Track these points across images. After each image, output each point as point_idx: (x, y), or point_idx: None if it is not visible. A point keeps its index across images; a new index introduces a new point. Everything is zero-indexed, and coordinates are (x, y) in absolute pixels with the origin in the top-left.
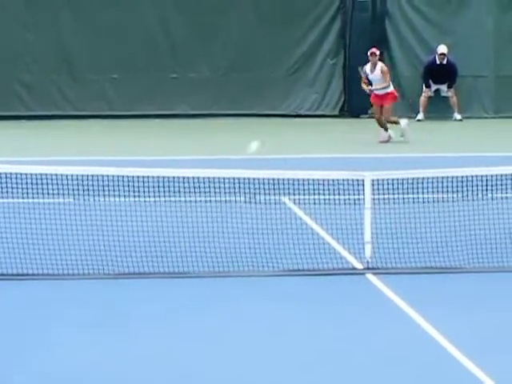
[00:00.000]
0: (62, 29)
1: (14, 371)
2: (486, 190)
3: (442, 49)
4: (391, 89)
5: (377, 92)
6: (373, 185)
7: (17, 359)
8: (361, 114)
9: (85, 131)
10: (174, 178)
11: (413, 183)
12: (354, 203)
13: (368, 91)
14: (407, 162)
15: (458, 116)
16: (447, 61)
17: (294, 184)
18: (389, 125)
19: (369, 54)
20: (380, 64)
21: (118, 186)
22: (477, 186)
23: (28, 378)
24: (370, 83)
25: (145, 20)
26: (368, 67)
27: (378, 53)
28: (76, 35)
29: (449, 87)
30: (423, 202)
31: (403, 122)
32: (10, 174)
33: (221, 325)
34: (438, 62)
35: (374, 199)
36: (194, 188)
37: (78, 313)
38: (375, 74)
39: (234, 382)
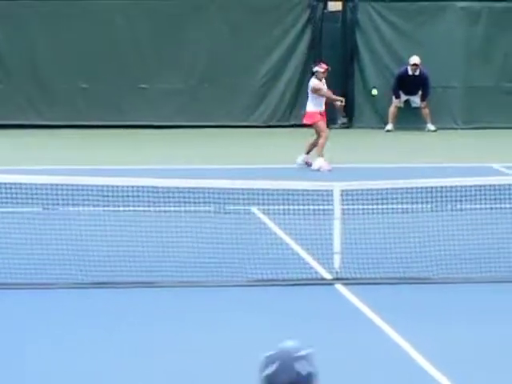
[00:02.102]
0: (32, 39)
1: None
2: (456, 200)
3: (414, 59)
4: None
5: (321, 110)
6: (342, 195)
7: None
8: (330, 124)
9: (53, 141)
10: (143, 187)
11: (382, 194)
12: (324, 213)
13: (340, 103)
14: (377, 172)
15: (431, 127)
16: (420, 72)
17: (263, 194)
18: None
19: (322, 70)
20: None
21: (88, 195)
22: (446, 196)
23: None
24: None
25: (114, 30)
26: (324, 85)
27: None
28: (45, 45)
29: (422, 100)
30: (392, 213)
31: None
32: None
33: (188, 334)
34: (410, 73)
35: (343, 209)
36: (163, 198)
37: (43, 323)
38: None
39: None
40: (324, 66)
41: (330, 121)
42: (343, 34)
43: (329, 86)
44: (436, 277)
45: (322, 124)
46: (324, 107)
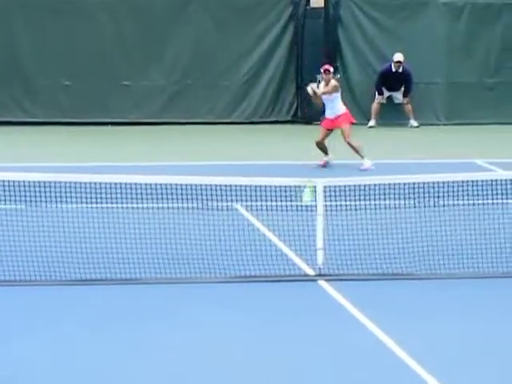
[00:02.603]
0: (15, 35)
1: None
2: (439, 196)
3: (398, 57)
4: (343, 110)
5: (328, 116)
6: (325, 191)
7: None
8: (313, 121)
9: (37, 138)
10: (126, 184)
11: (365, 190)
12: (307, 210)
13: (319, 101)
14: (360, 168)
15: (414, 123)
16: (403, 69)
17: (246, 190)
18: (353, 151)
19: (322, 71)
20: (333, 81)
21: (71, 192)
22: (429, 192)
23: None
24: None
25: (98, 27)
26: (322, 85)
27: (331, 70)
28: (28, 42)
29: (404, 96)
30: (375, 209)
31: (367, 163)
32: None
33: (171, 332)
34: (393, 70)
35: (326, 206)
36: (147, 194)
37: (28, 319)
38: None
39: None
40: (325, 66)
41: (313, 117)
42: (326, 31)
43: (311, 82)
44: (419, 273)
45: (320, 130)
46: (331, 113)
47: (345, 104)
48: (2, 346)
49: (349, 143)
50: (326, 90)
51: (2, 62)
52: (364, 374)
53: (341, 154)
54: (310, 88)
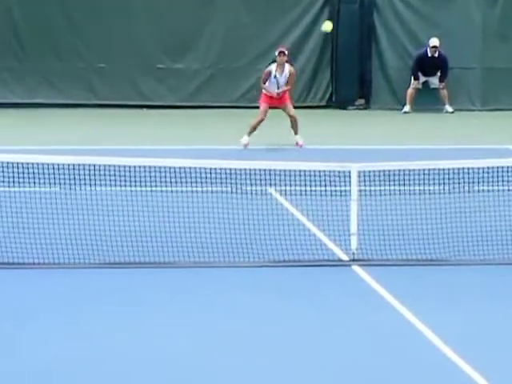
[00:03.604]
0: (50, 16)
1: None
2: (473, 182)
3: (434, 41)
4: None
5: (274, 94)
6: (359, 176)
7: None
8: (348, 106)
9: (71, 120)
10: (160, 167)
11: (399, 175)
12: (341, 195)
13: (275, 95)
14: (394, 153)
15: (449, 108)
16: (439, 53)
17: (280, 175)
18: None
19: (276, 53)
20: (288, 65)
21: (105, 175)
22: (463, 178)
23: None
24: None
25: (132, 9)
26: (274, 68)
27: (286, 52)
28: (64, 23)
29: (440, 81)
30: (410, 194)
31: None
32: None
33: (205, 315)
34: (429, 55)
35: (360, 191)
36: (181, 178)
37: (63, 301)
38: (284, 76)
39: (220, 374)
40: (280, 48)
41: (348, 102)
42: (361, 15)
43: (346, 68)
44: (453, 258)
45: (261, 105)
46: (276, 90)
47: (379, 88)
48: (33, 325)
49: (294, 117)
50: (289, 87)
51: (37, 44)
52: (397, 358)
53: (375, 139)
54: (277, 94)
